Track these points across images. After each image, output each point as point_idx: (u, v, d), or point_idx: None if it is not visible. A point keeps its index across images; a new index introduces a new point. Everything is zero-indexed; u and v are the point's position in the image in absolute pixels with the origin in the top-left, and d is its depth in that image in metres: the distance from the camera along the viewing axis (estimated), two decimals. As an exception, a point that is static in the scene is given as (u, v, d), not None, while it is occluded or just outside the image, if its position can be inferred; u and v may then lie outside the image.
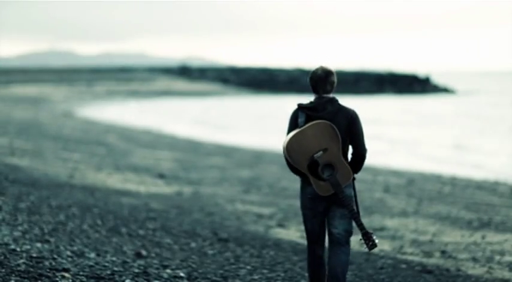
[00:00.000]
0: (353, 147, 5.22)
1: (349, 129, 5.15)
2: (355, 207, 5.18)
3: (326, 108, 5.14)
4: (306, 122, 5.14)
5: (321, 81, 5.19)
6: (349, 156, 5.29)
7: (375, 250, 8.59)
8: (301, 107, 5.20)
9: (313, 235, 5.27)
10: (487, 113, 48.14)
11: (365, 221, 10.76)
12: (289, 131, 5.20)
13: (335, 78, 5.23)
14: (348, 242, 5.23)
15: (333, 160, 5.08)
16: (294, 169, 5.18)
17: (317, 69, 5.23)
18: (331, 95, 5.21)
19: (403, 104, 59.08)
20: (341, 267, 5.17)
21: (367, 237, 5.18)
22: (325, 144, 5.05)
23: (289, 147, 5.06)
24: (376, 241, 5.20)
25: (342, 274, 5.17)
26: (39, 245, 6.68)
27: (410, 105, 57.62)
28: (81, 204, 9.49)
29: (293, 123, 5.20)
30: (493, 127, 37.04)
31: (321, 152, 5.07)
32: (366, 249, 5.21)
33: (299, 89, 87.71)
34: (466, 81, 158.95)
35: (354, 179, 5.20)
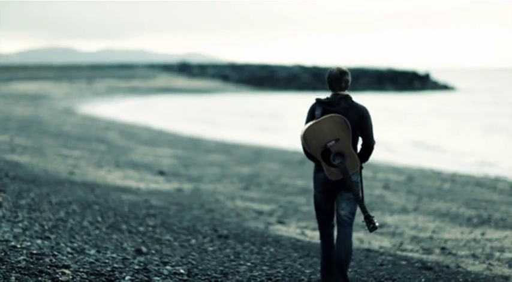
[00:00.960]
0: (363, 139, 5.86)
1: (360, 123, 5.78)
2: (360, 193, 5.84)
3: (340, 104, 5.76)
4: (322, 114, 5.77)
5: (336, 80, 5.80)
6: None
7: (375, 247, 8.61)
8: (319, 101, 5.83)
9: (324, 214, 5.96)
10: (476, 111, 48.16)
11: (365, 217, 10.79)
12: (307, 121, 5.85)
13: (349, 78, 5.84)
14: (351, 224, 5.91)
15: (343, 149, 5.71)
16: (309, 155, 5.85)
17: (333, 69, 5.85)
18: (345, 92, 5.83)
19: (391, 102, 59.03)
20: (345, 252, 5.84)
21: (369, 221, 5.84)
22: (338, 135, 5.68)
23: (306, 135, 5.70)
24: (377, 224, 5.85)
25: (346, 259, 5.84)
26: (39, 241, 6.69)
27: (398, 103, 57.65)
28: (81, 201, 9.50)
29: (311, 115, 5.85)
30: (478, 125, 37.11)
31: (333, 142, 5.69)
32: (367, 230, 5.98)
33: (299, 86, 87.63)
34: (466, 78, 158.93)
35: (361, 168, 5.85)
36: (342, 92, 5.80)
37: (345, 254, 5.82)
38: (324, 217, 5.97)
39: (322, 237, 6.04)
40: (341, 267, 5.83)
